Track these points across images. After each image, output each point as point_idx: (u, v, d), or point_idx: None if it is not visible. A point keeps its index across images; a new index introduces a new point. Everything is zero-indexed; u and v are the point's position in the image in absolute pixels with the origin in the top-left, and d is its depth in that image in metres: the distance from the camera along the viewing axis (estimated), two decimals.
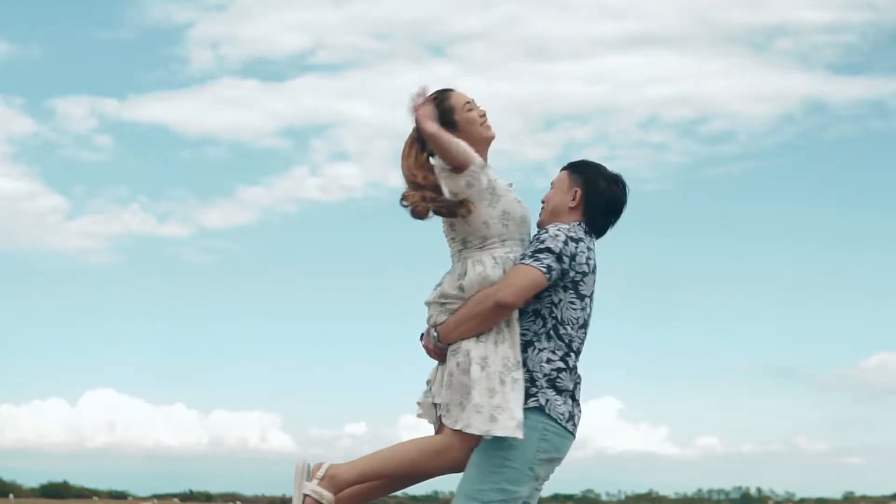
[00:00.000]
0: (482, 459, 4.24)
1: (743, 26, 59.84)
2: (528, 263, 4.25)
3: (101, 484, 55.08)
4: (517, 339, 4.30)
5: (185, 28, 60.87)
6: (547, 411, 4.24)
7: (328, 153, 64.54)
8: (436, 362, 4.48)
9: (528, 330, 4.32)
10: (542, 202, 4.56)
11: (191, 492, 55.29)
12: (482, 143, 4.50)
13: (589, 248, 4.38)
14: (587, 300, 4.37)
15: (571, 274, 4.30)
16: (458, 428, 4.26)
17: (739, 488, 58.88)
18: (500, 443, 4.21)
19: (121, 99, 66.18)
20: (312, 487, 4.32)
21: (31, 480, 54.72)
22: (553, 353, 4.30)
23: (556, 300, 4.31)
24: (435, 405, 4.43)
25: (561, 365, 4.30)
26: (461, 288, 4.35)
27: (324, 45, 61.86)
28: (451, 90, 4.55)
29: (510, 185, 4.50)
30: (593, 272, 4.38)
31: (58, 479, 54.62)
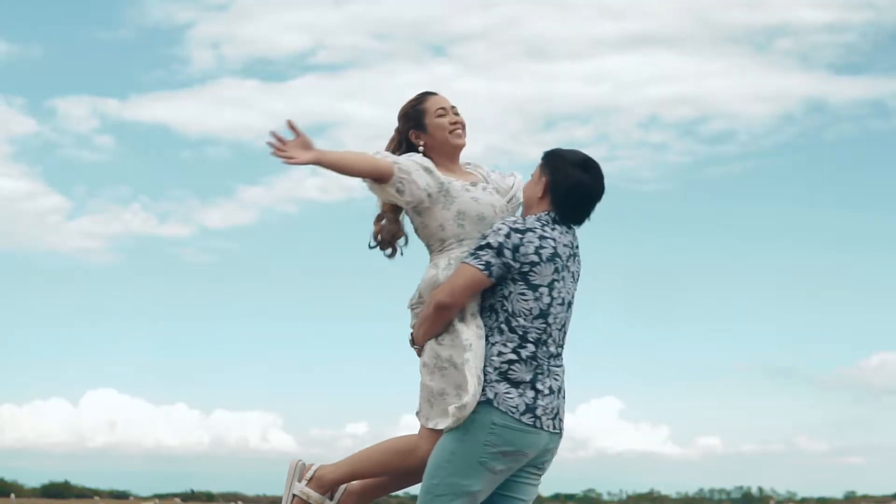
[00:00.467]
0: (435, 453, 4.32)
1: (743, 26, 59.77)
2: (467, 261, 4.31)
3: (102, 484, 55.04)
4: (474, 330, 4.32)
5: (185, 28, 60.80)
6: (496, 405, 4.26)
7: None
8: None
9: (484, 325, 4.37)
10: (523, 192, 4.62)
11: (192, 491, 55.26)
12: (449, 149, 4.57)
13: (542, 237, 4.35)
14: (543, 290, 4.33)
15: (517, 266, 4.30)
16: (428, 426, 4.37)
17: (741, 488, 58.77)
18: (450, 437, 4.27)
19: (121, 99, 66.01)
20: (301, 488, 4.46)
21: (32, 480, 54.73)
22: (504, 345, 4.31)
23: (506, 293, 4.33)
24: None
25: (513, 357, 4.30)
26: (420, 291, 4.47)
27: (324, 45, 61.78)
28: (431, 94, 4.62)
29: (472, 184, 4.53)
30: (549, 261, 4.33)
31: (59, 478, 54.60)
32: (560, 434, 4.42)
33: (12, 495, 46.99)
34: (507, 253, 4.29)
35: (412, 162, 4.43)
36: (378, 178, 4.39)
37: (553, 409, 4.35)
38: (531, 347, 4.33)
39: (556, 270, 4.36)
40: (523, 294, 4.32)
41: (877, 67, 61.68)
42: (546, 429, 4.32)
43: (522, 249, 4.30)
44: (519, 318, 4.33)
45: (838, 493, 55.79)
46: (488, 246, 4.29)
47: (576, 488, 58.48)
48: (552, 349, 4.37)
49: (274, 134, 4.25)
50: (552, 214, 4.42)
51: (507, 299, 4.33)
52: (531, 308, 4.33)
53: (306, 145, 4.30)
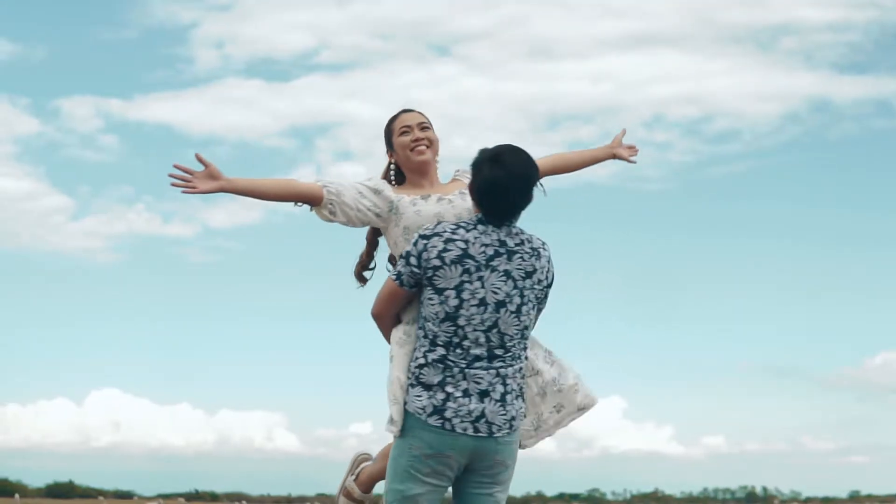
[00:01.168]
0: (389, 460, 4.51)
1: (746, 25, 59.72)
2: (390, 273, 4.51)
3: (106, 484, 55.08)
4: (396, 336, 4.51)
5: (189, 28, 60.83)
6: (407, 408, 4.38)
7: (333, 153, 64.52)
8: None
9: (414, 333, 4.50)
10: None
11: (196, 491, 55.28)
12: (413, 165, 4.69)
13: (449, 240, 4.37)
14: (449, 292, 4.35)
15: (421, 272, 4.38)
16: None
17: (745, 487, 58.77)
18: (395, 443, 4.44)
19: (125, 99, 66.14)
20: (350, 482, 4.83)
21: (36, 480, 54.79)
22: (419, 350, 4.41)
23: (422, 299, 4.43)
24: None
25: (422, 361, 4.38)
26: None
27: (328, 44, 61.81)
28: (402, 112, 4.75)
29: (423, 197, 4.61)
30: (454, 263, 4.35)
31: (63, 478, 54.66)
32: (496, 439, 4.39)
33: (16, 495, 47.02)
34: (413, 260, 4.40)
35: (354, 185, 4.59)
36: (310, 201, 4.57)
37: (471, 412, 4.33)
38: (440, 350, 4.35)
39: (467, 272, 4.35)
40: (430, 298, 4.38)
41: (881, 66, 61.63)
42: (461, 431, 4.33)
43: (425, 255, 4.37)
44: (429, 323, 4.39)
45: (842, 493, 55.78)
46: (402, 256, 4.44)
47: (580, 488, 58.60)
48: (474, 351, 4.36)
49: (177, 166, 4.40)
50: (477, 215, 4.47)
51: (422, 305, 4.43)
52: (437, 312, 4.36)
53: (214, 175, 4.42)
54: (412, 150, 4.66)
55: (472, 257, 4.35)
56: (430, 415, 4.31)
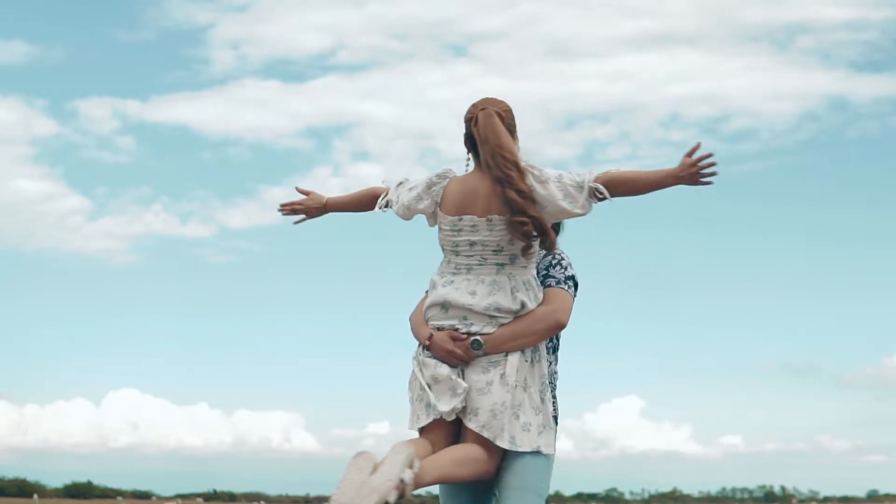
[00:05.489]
0: (540, 462, 4.51)
1: (764, 24, 59.69)
2: (566, 290, 4.56)
3: (124, 484, 55.35)
4: (547, 356, 4.58)
5: (206, 29, 61.12)
6: (558, 418, 4.64)
7: (350, 153, 64.73)
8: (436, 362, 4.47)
9: (541, 346, 4.58)
10: None
11: (214, 491, 55.46)
12: None
13: None
14: None
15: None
16: (503, 445, 4.39)
17: (763, 487, 58.77)
18: (548, 455, 4.54)
19: (143, 100, 66.50)
20: (410, 476, 4.23)
21: (55, 481, 55.04)
22: (551, 364, 4.66)
23: None
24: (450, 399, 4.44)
25: (555, 372, 4.68)
26: (522, 305, 4.43)
27: (344, 45, 62.04)
28: None
29: None
30: None
31: (82, 479, 54.91)
32: None
33: (35, 496, 47.20)
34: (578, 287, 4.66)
35: (414, 184, 4.60)
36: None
37: None
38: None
39: None
40: None
41: None
42: None
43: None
44: (558, 339, 4.69)
45: (861, 492, 55.74)
46: (573, 279, 4.60)
47: (598, 487, 58.63)
48: None
49: (284, 205, 4.91)
50: None
51: None
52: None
53: (316, 199, 4.93)
54: None
55: None
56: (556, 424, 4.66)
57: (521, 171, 4.35)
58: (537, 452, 4.45)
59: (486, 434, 4.37)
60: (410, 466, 4.27)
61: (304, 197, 4.93)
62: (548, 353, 4.58)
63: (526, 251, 4.40)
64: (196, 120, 64.88)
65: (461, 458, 4.39)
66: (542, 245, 4.43)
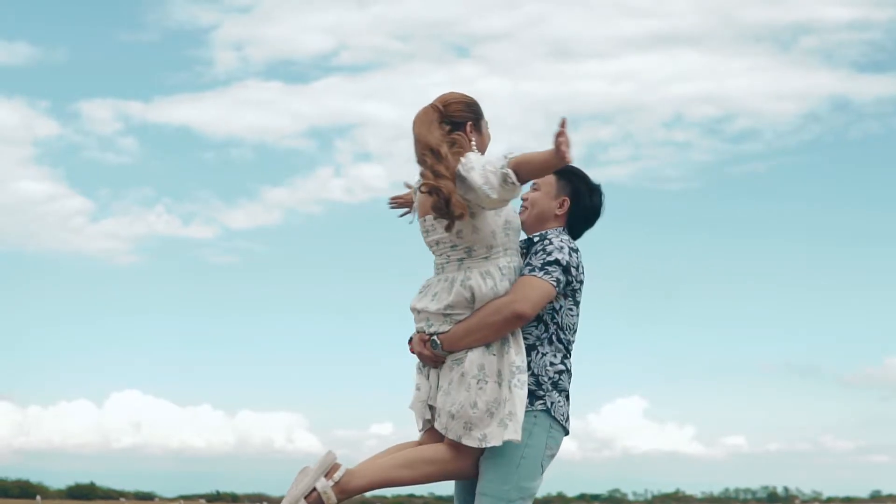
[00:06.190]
0: (500, 460, 4.38)
1: (767, 24, 59.66)
2: (539, 276, 4.39)
3: (127, 485, 55.29)
4: (522, 345, 4.42)
5: (209, 30, 61.16)
6: (552, 413, 4.45)
7: (352, 154, 64.74)
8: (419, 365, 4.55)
9: (530, 335, 4.48)
10: (524, 200, 4.65)
11: (217, 492, 55.43)
12: None
13: (581, 256, 4.56)
14: (580, 307, 4.58)
15: (573, 283, 4.49)
16: (471, 444, 4.35)
17: (766, 487, 58.70)
18: (515, 444, 4.34)
19: (145, 101, 66.50)
20: (324, 486, 4.34)
21: (57, 482, 54.99)
22: (554, 356, 4.49)
23: (556, 307, 4.49)
24: (430, 406, 4.50)
25: (562, 368, 4.50)
26: (471, 299, 4.38)
27: (347, 46, 62.03)
28: None
29: None
30: (584, 279, 4.58)
31: (84, 480, 54.87)
32: None
33: (38, 497, 47.23)
34: (573, 271, 4.46)
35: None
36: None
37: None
38: (570, 360, 4.55)
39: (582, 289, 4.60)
40: (571, 310, 4.53)
41: None
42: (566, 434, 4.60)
43: (580, 268, 4.52)
44: (565, 332, 4.53)
45: (864, 493, 55.67)
46: (557, 263, 4.42)
47: (601, 488, 58.59)
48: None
49: (394, 199, 4.83)
50: (565, 230, 4.61)
51: (557, 313, 4.50)
52: (574, 323, 4.56)
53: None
54: (485, 150, 4.57)
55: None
56: (566, 420, 4.51)
57: (439, 156, 4.31)
58: (504, 453, 4.35)
59: (449, 435, 4.39)
60: (329, 475, 4.34)
61: (409, 191, 4.77)
62: (542, 343, 4.45)
63: (450, 228, 4.34)
64: (198, 121, 64.92)
65: (410, 461, 4.42)
66: (444, 215, 4.28)
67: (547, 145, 4.13)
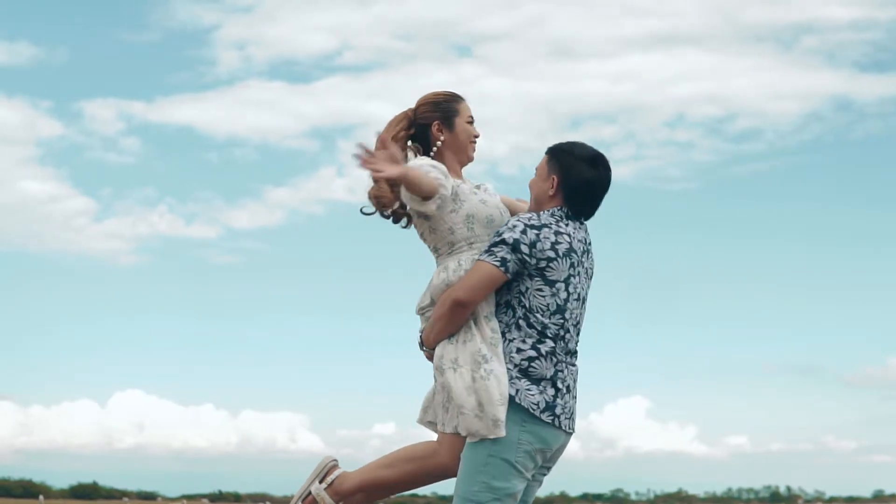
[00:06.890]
0: (469, 459, 4.30)
1: (769, 24, 59.53)
2: (482, 258, 4.32)
3: (130, 485, 55.26)
4: (487, 334, 4.33)
5: (211, 30, 61.07)
6: (517, 401, 4.26)
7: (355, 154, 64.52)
8: None
9: (500, 322, 4.36)
10: (530, 188, 4.61)
11: (220, 492, 55.37)
12: (463, 157, 4.62)
13: (558, 233, 4.37)
14: (559, 285, 4.35)
15: (533, 262, 4.30)
16: (446, 431, 4.37)
17: (769, 487, 58.56)
18: (484, 440, 4.25)
19: (148, 101, 66.36)
20: (319, 489, 4.51)
21: (60, 481, 55.00)
22: (523, 341, 4.32)
23: (523, 289, 4.34)
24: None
25: (532, 353, 4.31)
26: (430, 295, 4.45)
27: (350, 46, 61.95)
28: (462, 98, 4.66)
29: (477, 186, 4.57)
30: (565, 256, 4.35)
31: (87, 480, 54.86)
32: (571, 435, 4.46)
33: (41, 496, 47.25)
34: (524, 248, 4.29)
35: (440, 171, 4.42)
36: (428, 195, 4.37)
37: (570, 409, 4.39)
38: (550, 343, 4.33)
39: (572, 266, 4.38)
40: (540, 290, 4.33)
41: None
42: (563, 429, 4.36)
43: (539, 245, 4.31)
44: (537, 314, 4.32)
45: (867, 492, 55.55)
46: (503, 242, 4.30)
47: (604, 488, 58.49)
48: (570, 346, 4.40)
49: (361, 145, 4.25)
50: (564, 210, 4.45)
51: (524, 295, 4.34)
52: (548, 304, 4.33)
53: (394, 159, 4.29)
54: (471, 143, 4.61)
55: (575, 252, 4.39)
56: (542, 411, 4.27)
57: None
58: (471, 450, 4.28)
59: (434, 427, 4.50)
60: (322, 479, 4.49)
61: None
62: (509, 329, 4.33)
63: (407, 227, 4.55)
64: (201, 121, 64.81)
65: (391, 460, 4.48)
66: (385, 217, 4.54)
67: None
